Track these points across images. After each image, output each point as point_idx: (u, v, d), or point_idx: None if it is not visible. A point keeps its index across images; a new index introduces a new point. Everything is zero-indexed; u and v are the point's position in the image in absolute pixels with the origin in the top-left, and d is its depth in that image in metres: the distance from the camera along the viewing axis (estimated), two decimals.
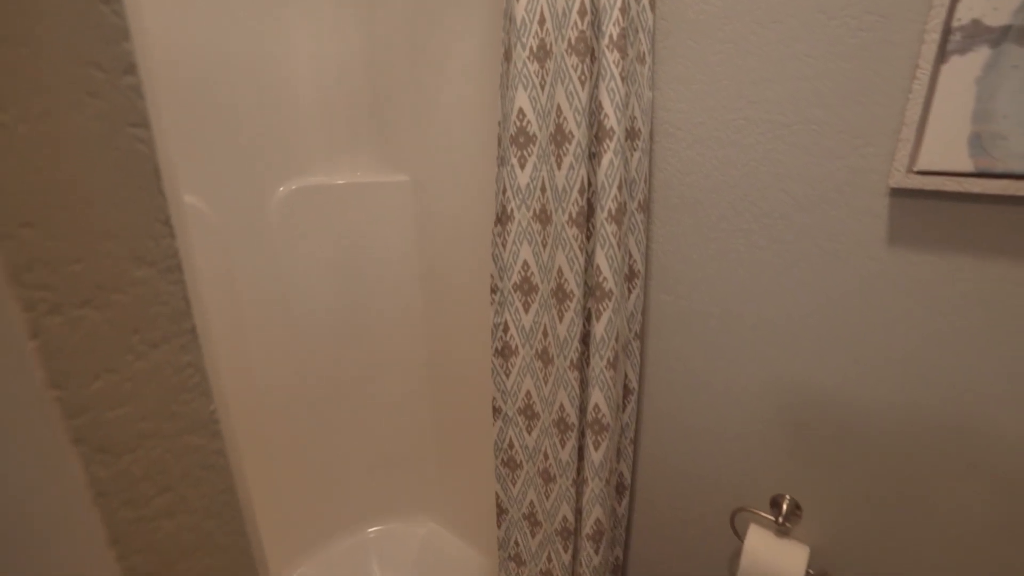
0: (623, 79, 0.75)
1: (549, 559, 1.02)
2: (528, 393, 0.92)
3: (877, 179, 0.73)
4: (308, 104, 1.21)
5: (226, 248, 1.17)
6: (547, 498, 0.97)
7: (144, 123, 0.30)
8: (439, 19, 1.12)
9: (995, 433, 0.72)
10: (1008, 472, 0.73)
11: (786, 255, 0.83)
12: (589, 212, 0.80)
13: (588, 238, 0.82)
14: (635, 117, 0.81)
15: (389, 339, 1.46)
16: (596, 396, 0.87)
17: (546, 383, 0.90)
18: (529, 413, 0.93)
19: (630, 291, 0.89)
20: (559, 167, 0.78)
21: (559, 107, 0.75)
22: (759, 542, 0.94)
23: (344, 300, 1.38)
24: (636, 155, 0.82)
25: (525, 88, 0.76)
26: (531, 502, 1.00)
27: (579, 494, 0.96)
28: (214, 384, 0.38)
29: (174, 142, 0.32)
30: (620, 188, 0.77)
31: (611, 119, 0.75)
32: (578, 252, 0.80)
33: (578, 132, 0.75)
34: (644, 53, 0.80)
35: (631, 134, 0.81)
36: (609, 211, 0.78)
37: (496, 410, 0.96)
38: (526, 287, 0.86)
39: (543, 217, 0.81)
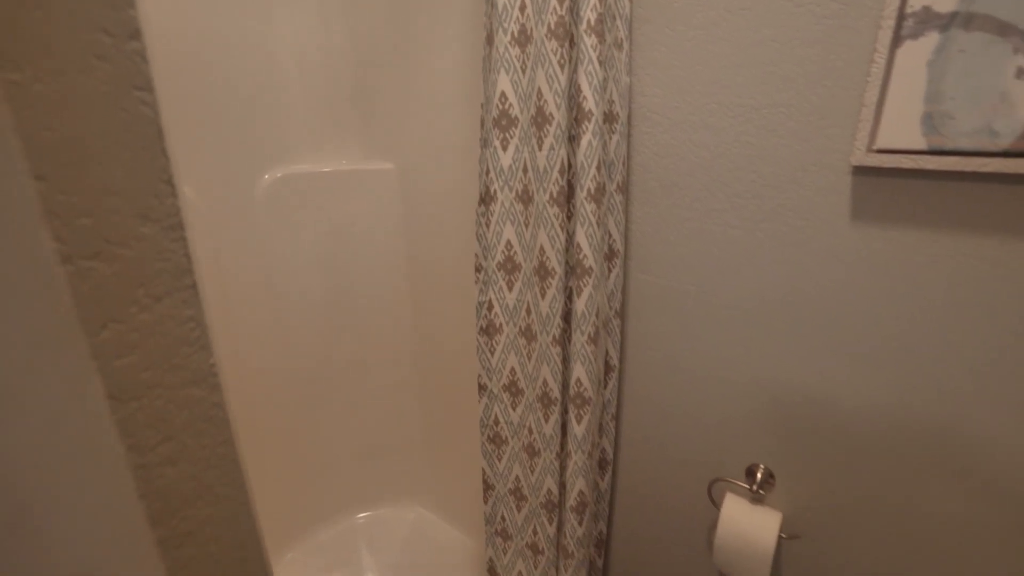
0: (601, 63, 0.78)
1: (534, 532, 1.05)
2: (512, 370, 0.95)
3: (840, 158, 0.77)
4: (293, 91, 1.22)
5: (212, 235, 1.18)
6: (532, 472, 1.00)
7: (148, 87, 0.32)
8: (422, 6, 1.14)
9: (954, 402, 0.77)
10: (970, 448, 0.77)
11: (758, 233, 0.87)
12: (569, 192, 0.83)
13: (569, 217, 0.85)
14: (613, 101, 0.84)
15: (376, 326, 1.48)
16: (578, 371, 0.90)
17: (530, 359, 0.93)
18: (514, 389, 0.96)
19: (610, 270, 0.93)
20: (540, 148, 0.81)
21: (540, 90, 0.78)
22: (735, 510, 0.98)
23: (331, 287, 1.40)
24: (614, 138, 0.86)
25: (507, 72, 0.79)
26: (516, 477, 1.03)
27: (563, 467, 1.00)
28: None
29: None
30: (599, 169, 0.80)
31: (589, 101, 0.78)
32: (559, 231, 0.83)
33: (558, 114, 0.78)
34: (621, 39, 0.84)
35: (609, 117, 0.84)
36: (588, 191, 0.81)
37: (481, 387, 0.98)
38: (509, 266, 0.88)
39: (525, 197, 0.84)
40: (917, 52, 0.64)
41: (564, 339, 0.90)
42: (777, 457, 0.97)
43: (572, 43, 0.77)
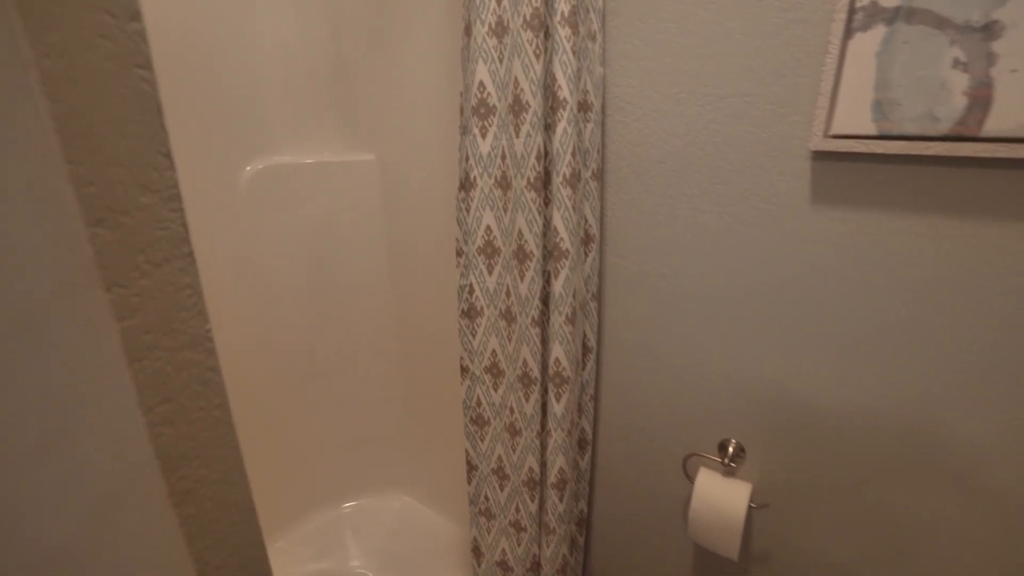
0: (575, 54, 0.81)
1: (517, 510, 1.09)
2: (494, 352, 0.98)
3: (800, 144, 0.81)
4: (274, 83, 1.24)
5: (194, 227, 1.18)
6: (514, 451, 1.04)
7: (148, 65, 0.35)
8: None
9: (912, 375, 0.82)
10: (920, 424, 0.83)
11: (726, 217, 0.91)
12: (546, 178, 0.87)
13: (546, 202, 0.88)
14: (587, 91, 0.88)
15: (360, 317, 1.50)
16: (556, 351, 0.94)
17: (510, 341, 0.96)
18: (495, 371, 0.99)
19: (587, 254, 0.96)
20: (517, 135, 0.84)
21: (516, 79, 0.81)
22: (708, 483, 1.03)
23: (314, 279, 1.41)
24: (589, 126, 0.89)
25: (485, 62, 0.82)
26: (499, 456, 1.06)
27: (543, 446, 1.04)
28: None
29: None
30: (574, 155, 0.84)
31: (564, 90, 0.81)
32: (536, 215, 0.86)
33: (534, 102, 0.81)
34: (595, 31, 0.87)
35: (584, 106, 0.87)
36: (564, 176, 0.84)
37: (464, 369, 1.02)
38: (489, 250, 0.92)
39: (504, 183, 0.88)
40: (866, 43, 0.69)
41: (543, 320, 0.94)
42: (747, 432, 1.02)
43: (547, 34, 0.81)
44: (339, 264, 1.43)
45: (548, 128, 0.86)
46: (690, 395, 1.05)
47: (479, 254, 0.92)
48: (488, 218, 0.90)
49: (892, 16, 0.66)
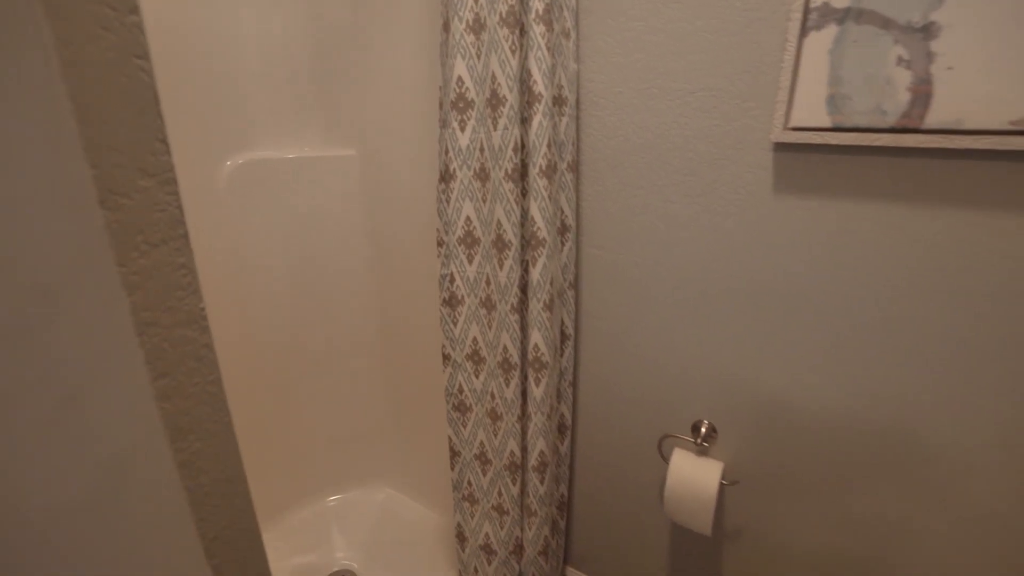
0: (549, 50, 0.85)
1: (499, 493, 1.12)
2: (475, 339, 1.01)
3: (762, 136, 0.86)
4: (253, 79, 1.24)
5: None
6: (495, 436, 1.07)
7: (146, 56, 0.37)
8: None
9: (868, 353, 0.88)
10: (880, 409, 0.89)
11: (695, 207, 0.96)
12: (523, 169, 0.90)
13: (523, 193, 0.91)
14: (562, 86, 0.91)
15: (343, 312, 1.51)
16: (535, 337, 0.97)
17: (490, 328, 0.99)
18: (476, 358, 1.02)
19: (563, 244, 1.00)
20: (495, 129, 0.87)
21: (493, 74, 0.84)
22: (682, 462, 1.07)
23: (297, 274, 1.42)
24: (564, 120, 0.93)
25: (463, 57, 0.84)
26: (481, 442, 1.09)
27: (524, 430, 1.07)
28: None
29: None
30: (549, 147, 0.87)
31: (539, 85, 0.85)
32: (514, 205, 0.89)
33: (511, 96, 0.84)
34: (568, 29, 0.91)
35: (558, 101, 0.91)
36: (540, 167, 0.88)
37: (446, 357, 1.04)
38: (469, 240, 0.95)
39: (482, 175, 0.91)
40: (820, 42, 0.74)
41: (522, 307, 0.97)
42: (719, 412, 1.07)
43: (523, 31, 0.84)
44: (321, 258, 1.44)
45: (524, 122, 0.89)
46: (664, 379, 1.10)
47: (459, 244, 0.95)
48: (468, 209, 0.93)
49: (843, 16, 0.71)
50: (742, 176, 0.90)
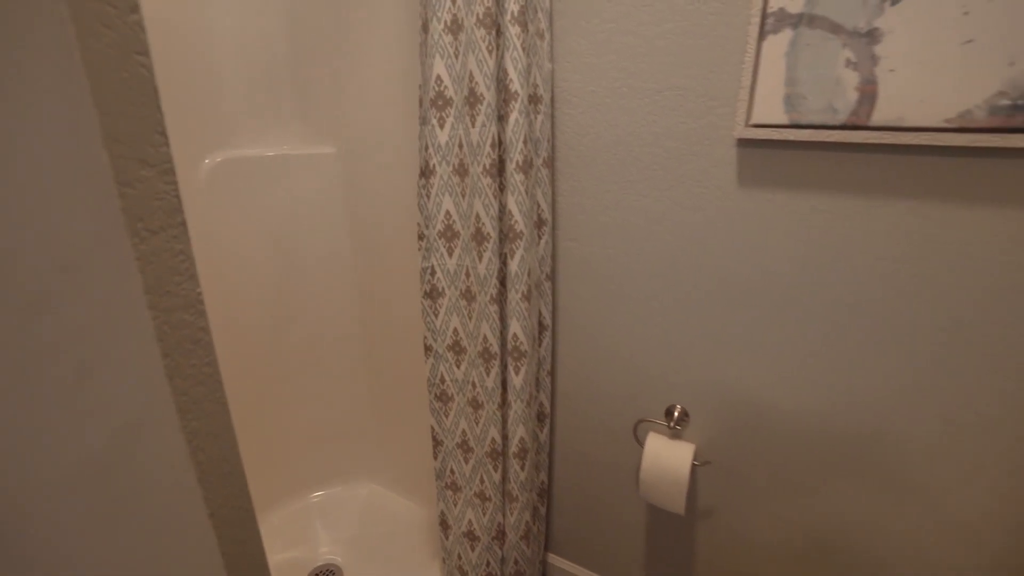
0: (525, 50, 0.88)
1: (481, 481, 1.15)
2: (455, 330, 1.04)
3: (727, 133, 0.91)
4: (231, 77, 1.25)
5: None
6: (477, 424, 1.10)
7: (146, 52, 0.39)
8: None
9: (826, 335, 0.94)
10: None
11: (665, 200, 1.01)
12: (500, 165, 0.93)
13: (501, 188, 0.95)
14: (537, 85, 0.95)
15: (325, 310, 1.52)
16: (514, 326, 1.01)
17: (471, 319, 1.02)
18: (457, 348, 1.06)
19: (540, 237, 1.04)
20: (473, 126, 0.90)
21: (471, 73, 0.88)
22: (656, 445, 1.12)
23: (278, 273, 1.43)
24: (539, 118, 0.97)
25: (442, 57, 0.87)
26: (463, 431, 1.12)
27: (504, 418, 1.11)
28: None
29: None
30: (526, 143, 0.91)
31: (515, 84, 0.88)
32: (492, 200, 0.93)
33: (488, 95, 0.88)
34: (543, 30, 0.94)
35: (534, 99, 0.95)
36: (517, 163, 0.91)
37: (427, 348, 1.07)
38: (449, 234, 0.98)
39: (461, 170, 0.94)
40: (777, 45, 0.79)
41: (501, 298, 1.01)
42: (690, 397, 1.12)
43: (499, 32, 0.87)
44: (302, 256, 1.45)
45: (501, 119, 0.92)
46: (638, 366, 1.15)
47: (440, 238, 0.98)
48: (447, 203, 0.96)
49: (797, 21, 0.77)
50: (708, 171, 0.95)
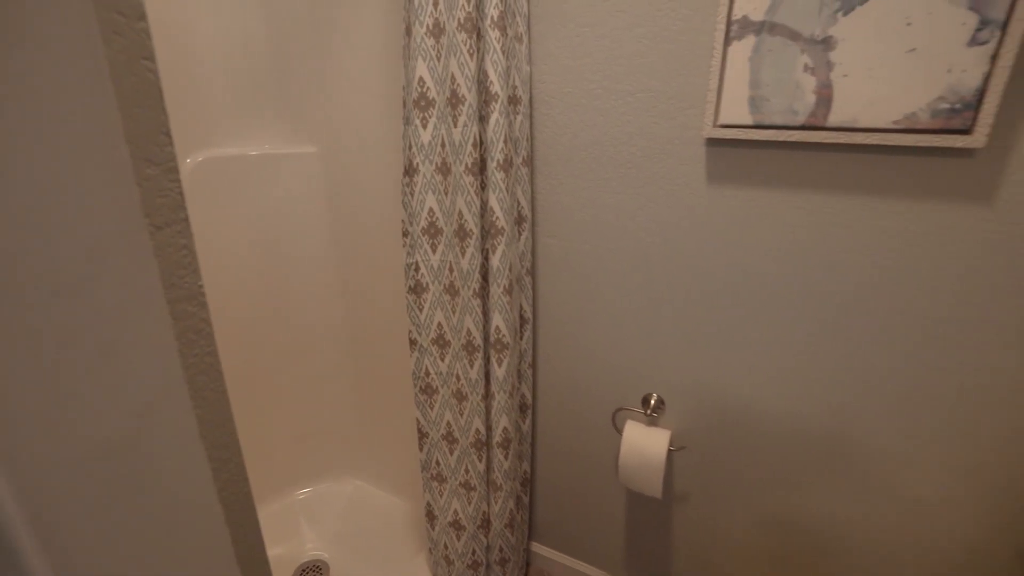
0: (504, 53, 0.92)
1: (467, 471, 1.19)
2: (439, 324, 1.07)
3: (696, 133, 0.96)
4: (212, 77, 1.25)
5: None
6: (461, 416, 1.14)
7: (152, 57, 0.42)
8: None
9: (781, 316, 1.00)
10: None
11: (639, 197, 1.05)
12: (482, 164, 0.97)
13: (483, 186, 0.98)
14: (516, 86, 0.99)
15: (308, 308, 1.54)
16: (497, 320, 1.05)
17: (454, 313, 1.06)
18: (441, 342, 1.09)
19: (520, 233, 1.08)
20: (455, 126, 0.93)
21: (453, 75, 0.91)
22: (634, 432, 1.17)
23: (261, 272, 1.43)
24: (519, 118, 1.00)
25: (424, 60, 0.90)
26: (448, 422, 1.16)
27: (488, 408, 1.14)
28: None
29: None
30: (506, 143, 0.95)
31: (495, 85, 0.92)
32: (474, 197, 0.96)
33: (469, 96, 0.91)
34: (521, 33, 0.98)
35: (513, 100, 0.98)
36: (498, 161, 0.95)
37: (412, 342, 1.10)
38: (432, 230, 1.01)
39: (444, 169, 0.97)
40: (741, 50, 0.84)
41: (483, 293, 1.04)
42: (665, 385, 1.17)
43: (479, 35, 0.91)
44: (285, 254, 1.46)
45: (482, 119, 0.96)
46: (616, 357, 1.19)
47: (423, 234, 1.01)
48: (431, 201, 0.99)
49: (759, 28, 0.82)
50: (679, 169, 1.00)
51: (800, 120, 0.83)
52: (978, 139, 0.72)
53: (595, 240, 1.12)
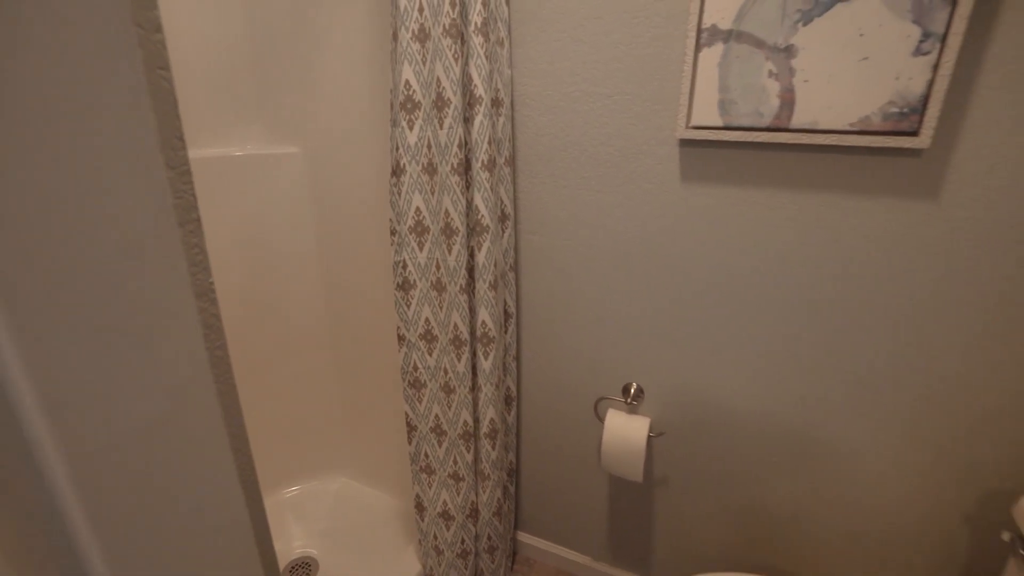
0: (487, 58, 0.95)
1: (455, 461, 1.22)
2: (427, 319, 1.10)
3: (670, 134, 1.02)
4: (195, 79, 1.26)
5: None
6: (449, 408, 1.17)
7: (167, 67, 0.44)
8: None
9: (755, 307, 1.06)
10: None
11: (617, 195, 1.11)
12: (467, 164, 1.00)
13: (468, 186, 1.02)
14: (498, 89, 1.02)
15: (294, 308, 1.55)
16: (483, 314, 1.08)
17: (441, 308, 1.09)
18: (429, 337, 1.12)
19: (503, 231, 1.12)
20: (441, 127, 0.97)
21: (438, 79, 0.94)
22: (615, 420, 1.22)
23: (246, 273, 1.44)
24: (501, 120, 1.04)
25: (410, 64, 0.94)
26: (436, 415, 1.19)
27: (475, 401, 1.18)
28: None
29: None
30: (490, 144, 0.99)
31: (479, 89, 0.96)
32: (460, 196, 1.00)
33: (454, 99, 0.95)
34: (503, 38, 1.02)
35: (496, 102, 1.02)
36: (482, 162, 0.99)
37: (400, 338, 1.13)
38: (419, 229, 1.04)
39: (430, 169, 1.00)
40: (711, 57, 0.90)
41: (469, 288, 1.08)
42: (644, 374, 1.23)
43: (463, 40, 0.94)
44: (268, 254, 1.46)
45: (467, 121, 0.99)
46: (596, 349, 1.24)
47: (411, 233, 1.04)
48: (417, 200, 1.02)
49: (727, 37, 0.87)
50: (654, 168, 1.06)
51: (766, 122, 0.89)
52: (924, 140, 0.79)
53: (575, 236, 1.17)
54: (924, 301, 0.92)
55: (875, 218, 0.91)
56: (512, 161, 1.11)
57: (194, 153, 1.29)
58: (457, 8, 0.90)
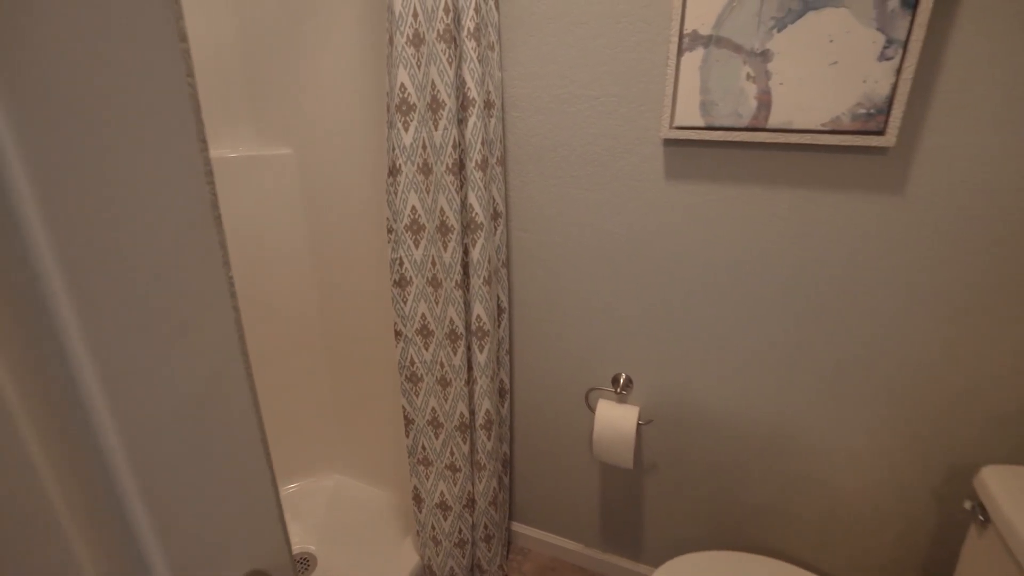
0: (479, 61, 0.99)
1: (452, 453, 1.26)
2: (423, 315, 1.14)
3: (655, 134, 1.07)
4: None
5: None
6: (446, 401, 1.21)
7: (191, 73, 0.47)
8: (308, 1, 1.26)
9: (736, 298, 1.12)
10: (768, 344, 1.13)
11: (604, 192, 1.15)
12: (460, 164, 1.04)
13: (462, 185, 1.06)
14: (490, 91, 1.06)
15: (286, 309, 1.57)
16: (477, 309, 1.12)
17: (437, 304, 1.13)
18: (425, 332, 1.15)
19: (496, 228, 1.15)
20: (436, 129, 1.00)
21: (433, 82, 0.98)
22: (605, 409, 1.27)
23: (238, 272, 1.46)
24: (493, 121, 1.08)
25: (405, 67, 0.97)
26: (432, 408, 1.22)
27: (471, 393, 1.21)
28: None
29: None
30: (483, 144, 1.02)
31: (472, 91, 0.99)
32: (455, 194, 1.04)
33: (449, 101, 0.98)
34: (493, 43, 1.06)
35: (488, 104, 1.06)
36: (476, 162, 1.02)
37: (397, 334, 1.16)
38: (415, 227, 1.07)
39: (425, 169, 1.04)
40: (693, 60, 0.95)
41: (464, 284, 1.11)
42: (633, 365, 1.27)
43: (456, 45, 0.98)
44: (262, 255, 1.48)
45: (460, 122, 1.03)
46: (586, 341, 1.29)
47: (407, 231, 1.08)
48: (413, 199, 1.06)
49: (707, 42, 0.92)
50: (640, 167, 1.11)
51: (744, 122, 0.94)
52: (889, 139, 0.84)
53: (565, 233, 1.21)
54: (894, 290, 0.98)
55: (846, 212, 0.96)
56: (504, 161, 1.15)
57: None
58: (451, 14, 0.94)
